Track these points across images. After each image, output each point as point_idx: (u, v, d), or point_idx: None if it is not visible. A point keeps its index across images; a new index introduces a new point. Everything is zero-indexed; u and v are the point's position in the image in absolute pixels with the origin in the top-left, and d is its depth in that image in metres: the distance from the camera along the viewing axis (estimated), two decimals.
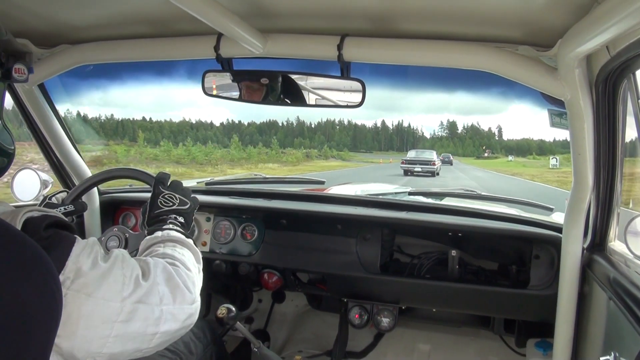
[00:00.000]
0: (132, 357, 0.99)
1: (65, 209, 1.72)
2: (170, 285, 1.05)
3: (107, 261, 0.96)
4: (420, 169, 24.00)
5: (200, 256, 1.29)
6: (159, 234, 1.30)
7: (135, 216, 2.44)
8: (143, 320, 0.96)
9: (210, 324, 1.99)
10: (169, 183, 1.49)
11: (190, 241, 1.31)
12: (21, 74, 0.96)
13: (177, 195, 1.45)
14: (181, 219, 1.41)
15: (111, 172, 1.84)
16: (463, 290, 2.13)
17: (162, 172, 1.52)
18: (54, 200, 1.73)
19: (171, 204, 1.42)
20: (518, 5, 1.26)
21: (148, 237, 1.31)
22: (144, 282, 0.99)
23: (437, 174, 24.31)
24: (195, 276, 1.17)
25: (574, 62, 1.31)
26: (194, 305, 1.10)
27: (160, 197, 1.43)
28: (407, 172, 23.89)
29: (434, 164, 24.89)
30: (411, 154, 27.39)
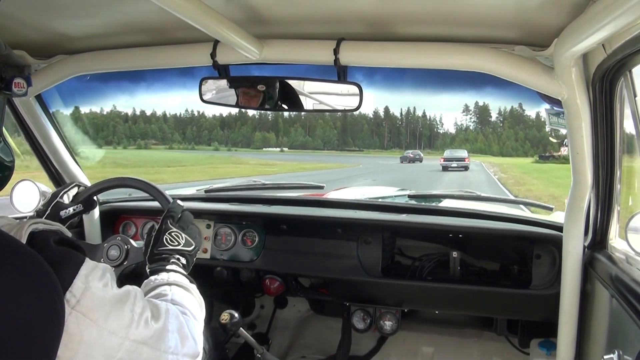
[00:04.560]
0: None
1: (74, 209, 1.73)
2: (181, 334, 1.02)
3: (119, 292, 0.92)
4: (456, 165, 28.70)
5: (203, 303, 1.25)
6: (164, 276, 1.26)
7: (135, 225, 2.44)
8: None
9: (212, 331, 1.98)
10: (179, 216, 1.46)
11: (194, 287, 1.27)
12: (20, 87, 0.96)
13: (183, 235, 1.41)
14: (184, 260, 1.38)
15: (132, 181, 1.84)
16: (465, 292, 2.12)
17: (176, 203, 1.50)
18: (64, 198, 1.74)
19: (176, 243, 1.39)
20: (513, 6, 1.26)
21: (152, 277, 1.27)
22: (155, 325, 0.96)
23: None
24: (200, 327, 1.14)
25: (570, 61, 1.32)
26: None
27: (166, 234, 1.40)
28: (445, 168, 28.01)
29: (467, 160, 29.93)
30: (447, 154, 32.78)
